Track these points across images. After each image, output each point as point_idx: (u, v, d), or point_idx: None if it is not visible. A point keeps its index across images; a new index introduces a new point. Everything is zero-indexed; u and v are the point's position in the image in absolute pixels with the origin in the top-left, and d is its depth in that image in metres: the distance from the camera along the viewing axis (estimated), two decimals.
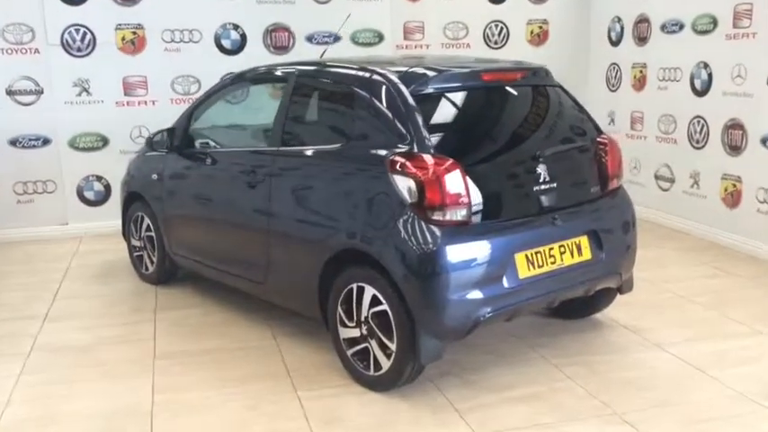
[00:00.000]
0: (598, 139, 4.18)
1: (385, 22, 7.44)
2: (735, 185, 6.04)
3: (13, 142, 6.71)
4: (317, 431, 3.34)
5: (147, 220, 5.33)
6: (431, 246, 3.40)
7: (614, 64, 7.61)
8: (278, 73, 4.53)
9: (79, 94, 6.78)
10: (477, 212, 3.51)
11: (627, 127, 7.45)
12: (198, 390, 3.76)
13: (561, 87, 4.28)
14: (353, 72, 4.01)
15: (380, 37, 7.46)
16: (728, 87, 6.03)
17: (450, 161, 3.45)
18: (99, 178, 6.99)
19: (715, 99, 6.19)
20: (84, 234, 6.86)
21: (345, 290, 3.74)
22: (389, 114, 3.65)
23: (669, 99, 6.78)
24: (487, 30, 7.73)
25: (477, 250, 3.49)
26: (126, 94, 6.90)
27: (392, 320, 3.54)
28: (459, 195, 3.43)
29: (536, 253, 3.68)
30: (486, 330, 3.86)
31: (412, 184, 3.44)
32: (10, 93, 6.63)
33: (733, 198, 6.07)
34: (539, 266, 3.68)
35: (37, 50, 6.64)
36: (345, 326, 3.79)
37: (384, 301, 3.55)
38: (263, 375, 3.89)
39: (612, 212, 4.15)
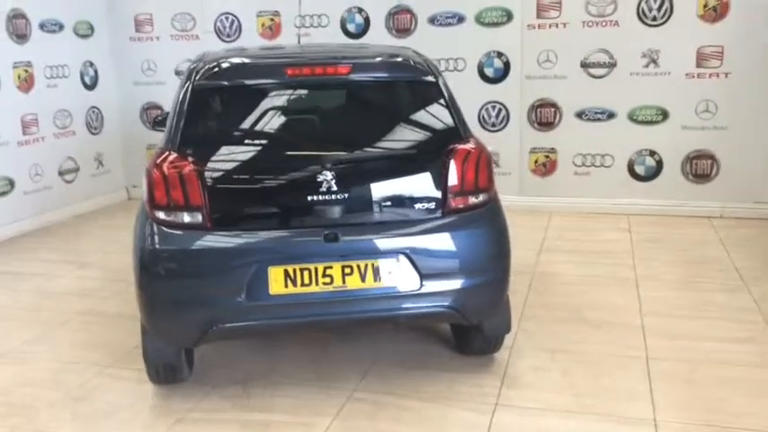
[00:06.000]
0: (458, 147, 3.47)
1: None
2: None
3: None
4: (59, 403, 3.58)
5: None
6: (148, 244, 3.32)
7: None
8: None
9: None
10: (221, 218, 3.30)
11: None
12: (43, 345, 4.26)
13: (433, 82, 3.62)
14: None
15: (509, 15, 6.80)
16: None
17: (183, 162, 3.29)
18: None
19: None
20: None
21: None
22: (174, 108, 3.59)
23: None
24: (643, 3, 6.47)
25: (206, 257, 3.29)
26: None
27: None
28: (187, 198, 3.26)
29: (302, 270, 3.29)
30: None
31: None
32: None
33: None
34: (304, 285, 3.29)
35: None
36: None
37: None
38: (121, 345, 4.15)
39: (452, 236, 3.42)
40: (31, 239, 6.56)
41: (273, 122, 3.58)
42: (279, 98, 3.59)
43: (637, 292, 4.80)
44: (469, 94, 6.98)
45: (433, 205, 3.41)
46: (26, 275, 5.55)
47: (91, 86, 7.66)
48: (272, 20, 7.40)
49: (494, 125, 7.06)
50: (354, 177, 3.38)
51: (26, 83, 6.78)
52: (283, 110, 3.60)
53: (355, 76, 3.56)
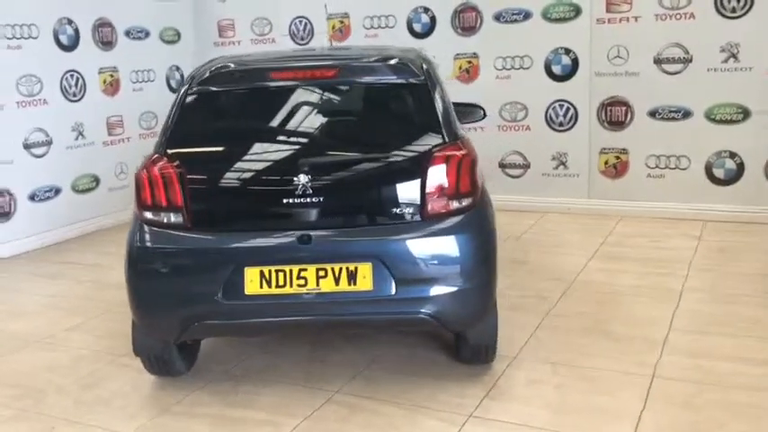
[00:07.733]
0: (438, 152, 3.39)
1: None
2: None
3: None
4: (67, 389, 3.82)
5: None
6: (135, 241, 3.46)
7: None
8: None
9: None
10: (200, 219, 3.40)
11: None
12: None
13: (419, 85, 3.53)
14: None
15: (577, 10, 6.53)
16: None
17: (167, 165, 3.41)
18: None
19: None
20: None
21: None
22: (167, 113, 3.71)
23: None
24: None
25: (185, 256, 3.40)
26: None
27: None
28: (169, 199, 3.38)
29: (277, 271, 3.33)
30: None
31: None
32: None
33: None
34: (279, 286, 3.33)
35: None
36: None
37: None
38: None
39: (429, 242, 3.35)
40: (110, 234, 6.97)
41: (255, 126, 3.63)
42: (263, 102, 3.62)
43: (676, 304, 4.48)
44: (536, 92, 6.83)
45: (411, 210, 3.34)
46: (92, 267, 5.96)
47: (176, 90, 8.05)
48: (341, 22, 7.50)
49: (561, 124, 6.80)
50: (331, 181, 3.38)
51: (111, 87, 7.26)
52: (266, 114, 3.63)
53: (340, 80, 3.56)
